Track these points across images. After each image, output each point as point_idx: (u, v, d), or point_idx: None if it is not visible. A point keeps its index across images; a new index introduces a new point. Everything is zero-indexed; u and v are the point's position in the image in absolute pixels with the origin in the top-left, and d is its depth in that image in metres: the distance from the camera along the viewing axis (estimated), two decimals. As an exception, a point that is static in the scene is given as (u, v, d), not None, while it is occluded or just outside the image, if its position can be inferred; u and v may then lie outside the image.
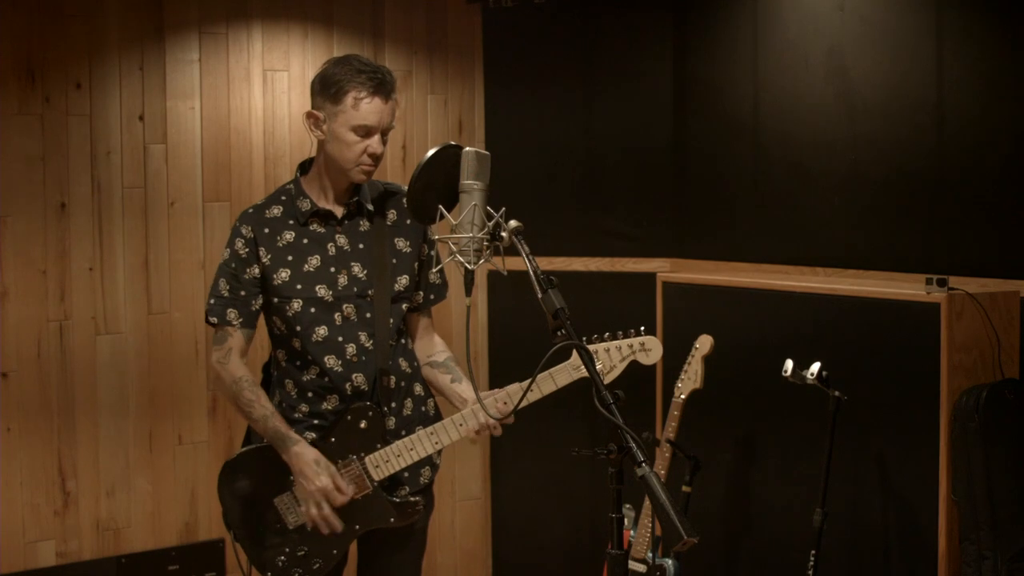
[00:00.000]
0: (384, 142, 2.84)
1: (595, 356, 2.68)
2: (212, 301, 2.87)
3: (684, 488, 3.51)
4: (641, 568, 3.55)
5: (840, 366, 3.13)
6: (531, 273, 2.18)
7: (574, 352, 2.63)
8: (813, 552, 3.09)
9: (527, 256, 2.21)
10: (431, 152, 2.38)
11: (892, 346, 3.16)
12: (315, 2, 4.28)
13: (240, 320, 2.85)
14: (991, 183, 3.27)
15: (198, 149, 4.09)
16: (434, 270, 2.98)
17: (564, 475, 4.50)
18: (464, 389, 2.92)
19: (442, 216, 2.35)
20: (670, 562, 3.50)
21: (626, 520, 3.72)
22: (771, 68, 3.93)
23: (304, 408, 2.87)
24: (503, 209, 2.29)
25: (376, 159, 2.83)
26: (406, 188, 2.93)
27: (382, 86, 2.79)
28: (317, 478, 2.75)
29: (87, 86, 3.91)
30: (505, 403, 2.71)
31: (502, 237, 2.26)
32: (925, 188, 3.43)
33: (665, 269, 4.27)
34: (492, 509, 4.70)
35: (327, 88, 2.80)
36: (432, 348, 3.03)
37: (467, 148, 2.32)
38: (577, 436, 4.36)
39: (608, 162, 4.45)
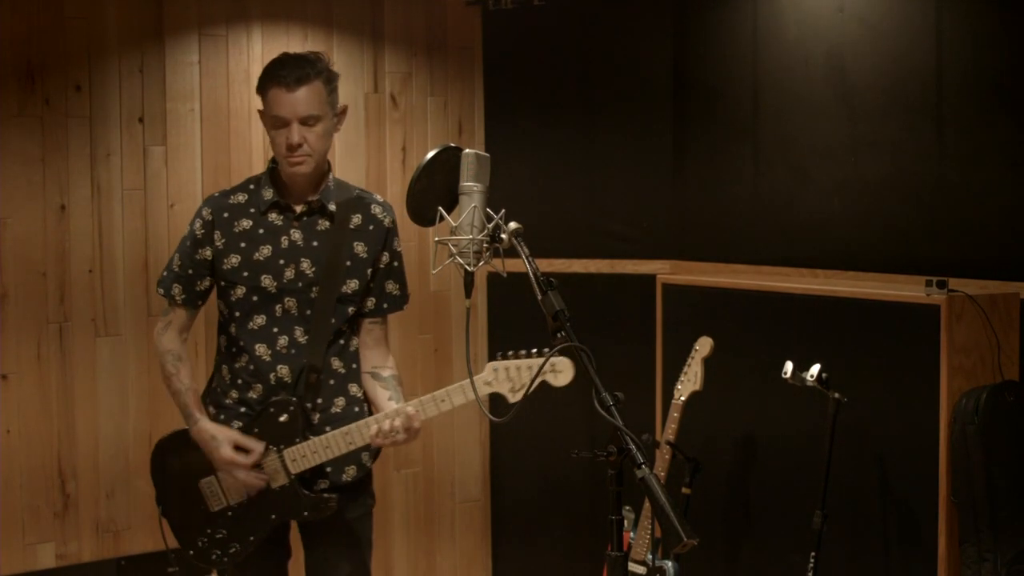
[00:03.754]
0: (314, 133, 2.84)
1: (507, 373, 2.72)
2: (165, 273, 3.01)
3: (684, 490, 3.51)
4: (641, 570, 3.55)
5: (840, 368, 3.13)
6: (531, 275, 2.18)
7: (487, 366, 2.74)
8: (813, 554, 3.09)
9: (527, 258, 2.21)
10: (431, 154, 2.38)
11: (892, 348, 3.16)
12: (315, 4, 4.28)
13: (183, 297, 2.97)
14: (991, 184, 3.27)
15: (198, 151, 4.09)
16: (394, 281, 3.02)
17: (564, 476, 4.50)
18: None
19: (442, 218, 2.35)
20: (670, 564, 3.50)
21: (626, 522, 3.72)
22: (770, 69, 3.93)
23: (234, 395, 2.95)
24: (503, 211, 2.29)
25: (297, 149, 2.84)
26: (380, 197, 3.03)
27: (290, 75, 2.82)
28: (216, 451, 2.86)
29: (87, 88, 3.91)
30: (416, 411, 2.77)
31: (502, 239, 2.26)
32: (925, 189, 3.43)
33: (665, 271, 4.27)
34: (492, 509, 4.70)
35: (256, 87, 2.91)
36: (380, 361, 3.03)
37: (467, 150, 2.32)
38: (577, 438, 4.36)
39: (608, 163, 4.45)
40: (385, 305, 3.02)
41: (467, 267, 2.26)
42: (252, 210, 2.93)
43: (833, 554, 3.22)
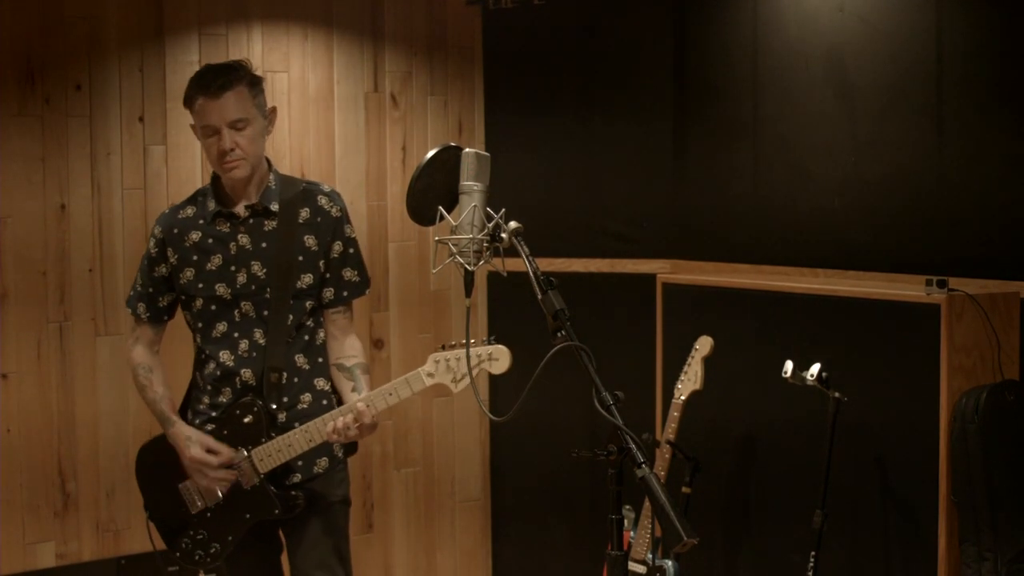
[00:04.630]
0: (245, 137, 2.89)
1: (447, 364, 2.74)
2: (131, 293, 3.12)
3: (684, 489, 3.51)
4: (641, 569, 3.55)
5: (840, 367, 3.13)
6: (531, 274, 2.19)
7: (428, 358, 2.76)
8: (813, 553, 3.09)
9: (527, 257, 2.21)
10: (431, 153, 2.38)
11: (892, 347, 3.16)
12: (315, 3, 4.28)
13: (147, 315, 3.08)
14: (991, 184, 3.27)
15: (198, 151, 4.09)
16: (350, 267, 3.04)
17: (564, 475, 4.50)
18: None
19: (442, 217, 2.35)
20: (670, 563, 3.50)
21: (626, 521, 3.72)
22: (770, 68, 3.93)
23: (205, 400, 3.03)
24: (503, 210, 2.29)
25: (230, 154, 2.88)
26: (327, 187, 3.05)
27: (213, 83, 2.87)
28: (187, 451, 2.94)
29: (87, 87, 3.91)
30: (367, 406, 2.78)
31: (502, 238, 2.26)
32: (925, 189, 3.43)
33: (665, 270, 4.27)
34: (492, 509, 4.70)
35: (184, 101, 2.94)
36: (343, 351, 3.06)
37: (467, 149, 2.33)
38: (577, 437, 4.36)
39: (608, 163, 4.45)
40: (345, 293, 3.05)
41: (467, 266, 2.26)
42: (201, 222, 2.98)
43: (833, 554, 3.22)
